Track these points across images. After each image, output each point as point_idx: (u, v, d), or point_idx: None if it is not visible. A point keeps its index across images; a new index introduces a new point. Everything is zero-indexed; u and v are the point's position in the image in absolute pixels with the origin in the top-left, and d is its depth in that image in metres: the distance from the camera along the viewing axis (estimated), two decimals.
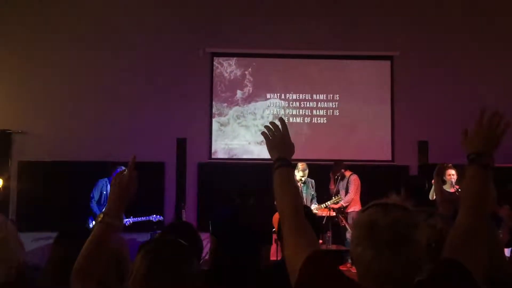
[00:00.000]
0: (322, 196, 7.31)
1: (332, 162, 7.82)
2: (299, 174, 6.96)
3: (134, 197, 1.85)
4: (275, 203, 1.71)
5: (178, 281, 1.53)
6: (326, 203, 7.11)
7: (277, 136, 1.83)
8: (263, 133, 1.81)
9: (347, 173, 7.49)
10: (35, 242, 6.87)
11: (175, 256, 1.58)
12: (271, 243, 4.08)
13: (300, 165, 7.07)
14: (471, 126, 2.01)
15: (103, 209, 5.55)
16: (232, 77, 8.92)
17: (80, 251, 1.84)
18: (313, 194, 7.14)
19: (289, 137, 1.79)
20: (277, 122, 1.82)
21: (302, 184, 6.97)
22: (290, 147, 1.83)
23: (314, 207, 6.90)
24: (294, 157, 1.85)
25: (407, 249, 1.32)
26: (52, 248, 2.28)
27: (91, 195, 6.79)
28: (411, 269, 1.34)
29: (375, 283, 1.33)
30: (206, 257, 6.57)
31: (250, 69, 8.95)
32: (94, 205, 6.74)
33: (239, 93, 8.90)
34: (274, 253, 4.41)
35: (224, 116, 8.86)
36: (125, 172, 1.87)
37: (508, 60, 8.79)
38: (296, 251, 1.50)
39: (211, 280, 2.29)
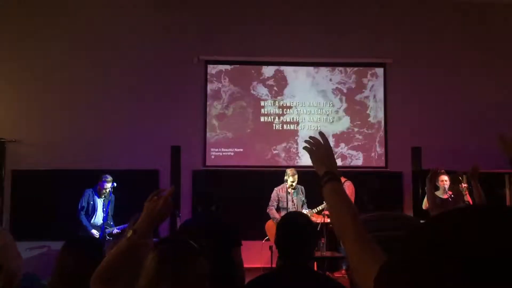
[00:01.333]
0: (316, 202, 7.31)
1: None
2: (290, 179, 6.97)
3: (162, 222, 1.92)
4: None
5: (188, 282, 1.56)
6: (317, 208, 7.13)
7: (321, 150, 1.81)
8: (305, 148, 1.81)
9: (342, 180, 7.48)
10: (29, 251, 6.85)
11: (185, 257, 1.61)
12: (240, 245, 4.11)
13: (289, 171, 7.08)
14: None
15: (91, 220, 5.51)
16: (225, 84, 8.95)
17: (87, 259, 1.88)
18: (303, 200, 7.15)
19: (332, 151, 1.78)
20: (318, 136, 1.83)
21: (292, 190, 6.99)
22: (335, 160, 1.82)
23: (305, 211, 6.92)
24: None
25: None
26: (60, 256, 2.30)
27: (79, 206, 6.62)
28: None
29: None
30: None
31: (243, 76, 8.98)
32: (83, 217, 6.58)
33: (232, 100, 8.92)
34: (260, 258, 4.42)
35: (219, 122, 8.87)
36: (161, 198, 1.91)
37: (501, 66, 8.88)
38: (364, 261, 1.44)
39: None
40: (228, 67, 8.95)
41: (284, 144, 8.86)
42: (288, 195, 7.02)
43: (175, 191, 7.85)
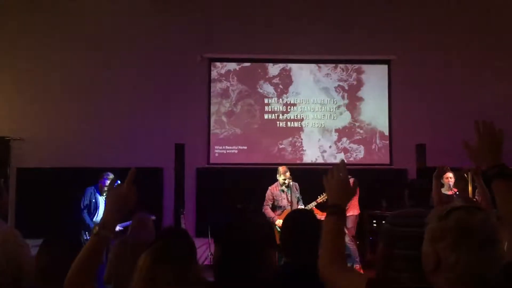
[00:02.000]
0: (313, 198, 7.27)
1: (331, 167, 7.82)
2: (281, 177, 6.94)
3: (131, 210, 1.83)
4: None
5: (181, 281, 1.54)
6: (313, 203, 7.08)
7: (334, 180, 1.81)
8: (324, 178, 1.81)
9: None
10: (33, 249, 6.86)
11: (178, 257, 1.59)
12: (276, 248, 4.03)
13: (281, 169, 7.04)
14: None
15: (93, 218, 5.43)
16: (229, 82, 8.94)
17: (63, 258, 1.84)
18: (298, 197, 7.08)
19: (348, 182, 1.78)
20: (340, 165, 1.83)
21: (286, 188, 6.95)
22: (347, 193, 1.80)
23: (300, 207, 6.89)
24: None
25: (496, 249, 1.38)
26: (37, 256, 2.28)
27: (82, 205, 6.54)
28: (499, 268, 1.39)
29: (473, 285, 1.36)
30: (205, 263, 6.57)
31: (247, 73, 8.97)
32: (86, 216, 6.50)
33: (236, 98, 8.91)
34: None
35: (223, 121, 8.86)
36: (123, 185, 1.84)
37: (505, 62, 8.82)
38: (350, 283, 1.58)
39: None
40: (235, 66, 8.93)
41: (290, 139, 8.85)
42: (282, 193, 6.98)
43: (180, 189, 7.88)
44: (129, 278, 1.70)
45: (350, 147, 8.92)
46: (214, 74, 8.93)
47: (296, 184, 7.07)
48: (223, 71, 8.94)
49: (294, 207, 6.85)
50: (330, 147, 8.92)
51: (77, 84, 8.62)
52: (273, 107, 8.94)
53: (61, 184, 7.98)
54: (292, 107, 8.95)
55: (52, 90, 8.60)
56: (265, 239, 4.05)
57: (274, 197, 6.98)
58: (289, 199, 6.94)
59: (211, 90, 8.89)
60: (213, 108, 8.86)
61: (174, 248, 1.64)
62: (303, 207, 7.00)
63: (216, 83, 8.92)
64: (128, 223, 6.51)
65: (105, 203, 6.14)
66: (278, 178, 6.97)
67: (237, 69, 8.96)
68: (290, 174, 6.94)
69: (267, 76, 8.98)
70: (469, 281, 1.36)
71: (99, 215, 6.57)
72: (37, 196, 8.00)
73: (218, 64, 8.94)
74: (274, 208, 7.05)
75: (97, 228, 1.73)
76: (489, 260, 1.36)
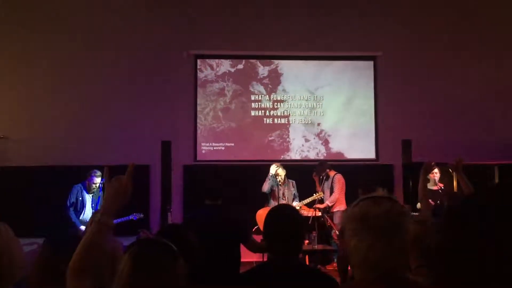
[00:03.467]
0: (307, 195, 7.33)
1: (316, 162, 7.86)
2: (278, 175, 7.01)
3: (128, 201, 1.85)
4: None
5: (164, 281, 1.53)
6: (306, 200, 7.16)
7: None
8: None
9: (332, 173, 7.52)
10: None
11: (160, 257, 1.58)
12: (248, 239, 4.03)
13: (275, 166, 7.12)
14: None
15: (80, 216, 5.39)
16: (216, 79, 8.92)
17: (67, 255, 1.83)
18: (294, 194, 7.18)
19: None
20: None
21: (282, 185, 7.01)
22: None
23: (295, 204, 6.95)
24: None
25: (399, 237, 1.41)
26: (40, 252, 2.27)
27: (68, 203, 6.50)
28: (403, 256, 1.42)
29: (371, 272, 1.40)
30: None
31: (234, 70, 8.96)
32: (72, 213, 6.47)
33: (223, 95, 8.90)
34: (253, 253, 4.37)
35: (210, 118, 8.84)
36: (123, 176, 1.88)
37: (490, 58, 8.91)
38: None
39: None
40: (230, 68, 8.90)
41: (277, 135, 8.86)
42: (279, 190, 7.05)
43: (167, 186, 7.85)
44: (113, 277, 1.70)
45: (335, 142, 8.95)
46: (212, 75, 8.90)
47: (294, 181, 7.15)
48: (220, 73, 8.91)
49: (289, 203, 6.90)
50: (316, 143, 8.95)
51: (62, 82, 8.53)
52: (260, 104, 8.94)
53: (45, 183, 7.89)
54: (279, 103, 8.96)
55: (36, 88, 8.50)
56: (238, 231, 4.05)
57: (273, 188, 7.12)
58: (285, 195, 7.01)
59: (207, 90, 8.86)
60: (208, 105, 8.83)
61: (157, 248, 1.63)
62: (297, 203, 7.05)
63: (214, 83, 8.89)
64: (123, 219, 6.51)
65: (97, 201, 6.04)
66: (271, 173, 7.08)
67: (232, 71, 8.94)
68: (284, 171, 7.03)
69: (258, 77, 8.98)
70: (370, 267, 1.39)
71: (86, 213, 6.53)
72: (21, 195, 7.90)
73: (213, 65, 8.89)
74: (267, 198, 7.15)
75: (98, 215, 1.74)
76: (393, 247, 1.39)
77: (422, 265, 2.19)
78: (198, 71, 8.90)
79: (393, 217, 1.42)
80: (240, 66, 8.99)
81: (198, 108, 8.83)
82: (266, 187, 7.11)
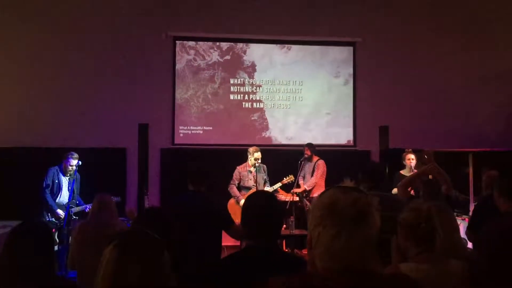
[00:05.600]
0: (278, 179, 7.33)
1: (293, 147, 7.89)
2: (253, 158, 7.00)
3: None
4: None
5: (148, 273, 1.52)
6: (278, 184, 7.17)
7: None
8: None
9: (315, 158, 7.56)
10: None
11: (145, 248, 1.57)
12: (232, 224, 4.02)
13: (251, 149, 7.10)
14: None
15: (56, 199, 5.31)
16: (196, 62, 8.83)
17: (36, 246, 1.84)
18: (265, 178, 7.19)
19: None
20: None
21: (254, 169, 7.02)
22: None
23: (267, 189, 6.96)
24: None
25: (366, 226, 1.38)
26: (7, 240, 2.23)
27: (44, 185, 6.34)
28: (369, 246, 1.39)
29: (334, 262, 1.37)
30: None
31: (213, 53, 8.87)
32: (48, 196, 6.32)
33: (202, 78, 8.82)
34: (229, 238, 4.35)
35: (187, 101, 8.77)
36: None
37: (469, 43, 8.99)
38: None
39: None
40: (219, 58, 8.81)
41: (255, 120, 8.85)
42: (250, 173, 7.05)
43: (143, 170, 7.77)
44: (93, 262, 1.66)
45: (314, 127, 8.98)
46: (202, 64, 8.81)
47: (264, 166, 7.16)
48: (210, 62, 8.83)
49: (261, 188, 6.90)
50: (295, 127, 8.96)
51: (39, 63, 8.31)
52: (239, 88, 8.89)
53: (16, 165, 7.74)
54: (257, 87, 8.92)
55: (13, 69, 8.28)
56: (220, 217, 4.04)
57: (241, 177, 7.07)
58: (256, 180, 7.00)
59: (176, 69, 8.76)
60: (177, 87, 8.74)
61: (141, 239, 1.62)
62: (269, 188, 7.06)
63: (205, 71, 8.82)
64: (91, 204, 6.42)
65: (72, 184, 5.97)
66: (249, 158, 7.02)
67: (222, 61, 8.85)
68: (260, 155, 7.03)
69: (242, 66, 8.90)
70: (334, 256, 1.37)
71: (62, 196, 6.42)
72: None
73: (206, 55, 8.78)
74: (239, 188, 7.11)
75: None
76: (358, 236, 1.37)
77: (422, 251, 2.22)
78: (186, 55, 8.78)
79: (360, 207, 1.39)
80: (228, 57, 8.89)
81: (190, 92, 8.73)
82: (236, 193, 7.03)
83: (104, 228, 3.94)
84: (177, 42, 8.79)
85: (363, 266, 1.38)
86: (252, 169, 7.07)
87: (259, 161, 7.01)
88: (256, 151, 7.07)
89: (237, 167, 7.20)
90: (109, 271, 1.51)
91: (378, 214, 1.43)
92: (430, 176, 4.69)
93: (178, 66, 8.77)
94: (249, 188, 6.99)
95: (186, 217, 3.51)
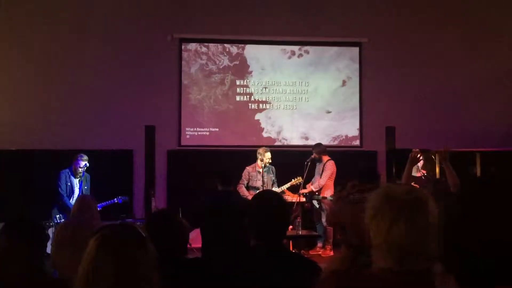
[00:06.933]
0: (285, 181, 7.33)
1: (302, 148, 7.88)
2: (265, 158, 7.01)
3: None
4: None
5: (131, 266, 1.53)
6: (286, 185, 7.17)
7: None
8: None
9: (325, 158, 7.54)
10: None
11: (127, 241, 1.58)
12: None
13: (261, 150, 7.11)
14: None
15: (71, 201, 5.29)
16: (202, 64, 8.84)
17: (26, 242, 1.91)
18: (273, 179, 7.18)
19: None
20: None
21: (263, 169, 7.03)
22: None
23: (275, 190, 6.96)
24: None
25: (423, 214, 1.43)
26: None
27: (60, 190, 6.37)
28: (428, 234, 1.42)
29: (393, 250, 1.40)
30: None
31: (219, 55, 8.89)
32: (66, 199, 6.34)
33: (209, 79, 8.84)
34: None
35: (194, 102, 8.78)
36: None
37: (476, 43, 8.95)
38: None
39: (205, 269, 2.28)
40: (229, 63, 8.84)
41: (262, 121, 8.85)
42: (258, 174, 7.05)
43: (150, 171, 7.79)
44: (70, 263, 1.68)
45: (320, 128, 8.97)
46: (213, 68, 8.83)
47: (273, 167, 7.17)
48: (221, 66, 8.85)
49: (269, 189, 6.91)
50: (301, 128, 8.96)
51: (45, 66, 8.35)
52: (245, 89, 8.90)
53: (26, 167, 7.80)
54: (264, 89, 8.92)
55: (18, 72, 8.33)
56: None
57: (250, 177, 7.09)
58: (265, 181, 7.00)
59: (182, 70, 8.78)
60: (184, 90, 8.76)
61: (122, 232, 1.63)
62: (277, 189, 7.07)
63: (216, 74, 8.83)
64: (108, 202, 6.47)
65: (80, 185, 5.98)
66: (260, 158, 7.05)
67: (231, 65, 8.87)
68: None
69: (236, 57, 8.92)
70: (392, 245, 1.40)
71: (74, 198, 6.45)
72: (5, 180, 7.79)
73: (217, 60, 8.81)
74: (248, 188, 7.13)
75: None
76: (416, 225, 1.40)
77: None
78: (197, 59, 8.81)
79: (415, 195, 1.44)
80: (236, 62, 8.91)
81: (202, 96, 8.75)
82: (244, 193, 7.04)
83: (84, 229, 3.95)
84: (189, 47, 8.80)
85: (422, 254, 1.41)
86: (261, 169, 7.07)
87: (270, 161, 7.04)
88: (266, 151, 7.09)
89: (246, 167, 7.22)
90: (87, 261, 1.53)
91: (434, 202, 1.47)
92: (437, 176, 4.67)
93: (192, 70, 8.79)
94: (257, 189, 6.99)
95: (223, 213, 3.90)
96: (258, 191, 6.75)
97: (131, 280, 1.53)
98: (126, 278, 1.52)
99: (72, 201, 6.43)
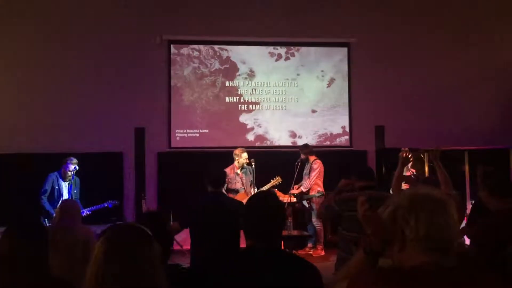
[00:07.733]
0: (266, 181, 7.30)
1: (290, 149, 7.89)
2: (241, 160, 6.94)
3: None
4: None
5: (137, 265, 1.55)
6: (266, 186, 7.09)
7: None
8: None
9: (312, 158, 7.56)
10: None
11: (133, 240, 1.60)
12: None
13: (237, 151, 7.01)
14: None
15: (56, 206, 5.27)
16: (195, 67, 8.83)
17: (30, 245, 1.83)
18: (251, 180, 7.04)
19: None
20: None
21: (241, 171, 6.98)
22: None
23: (254, 191, 6.88)
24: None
25: (451, 213, 1.52)
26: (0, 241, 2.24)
27: (42, 191, 6.36)
28: (455, 228, 1.53)
29: (426, 248, 1.47)
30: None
31: (208, 55, 8.88)
32: (45, 201, 6.32)
33: (201, 81, 8.83)
34: None
35: (184, 104, 8.77)
36: None
37: (463, 43, 9.02)
38: None
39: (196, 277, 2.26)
40: (219, 66, 8.82)
41: (250, 121, 8.85)
42: (237, 176, 6.98)
43: (140, 174, 7.79)
44: (52, 264, 1.67)
45: (309, 128, 8.99)
46: (205, 71, 8.83)
47: (250, 168, 7.05)
48: (212, 69, 8.84)
49: (248, 190, 6.86)
50: (290, 128, 8.97)
51: (34, 68, 8.27)
52: (235, 91, 8.90)
53: (14, 171, 7.73)
54: (253, 90, 8.93)
55: (4, 74, 8.26)
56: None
57: (229, 180, 6.88)
58: (243, 182, 6.95)
59: (171, 72, 8.76)
60: (173, 91, 8.74)
61: (130, 232, 1.66)
62: (256, 190, 7.01)
63: (207, 77, 8.83)
64: (98, 206, 6.44)
65: (69, 189, 5.96)
66: (237, 160, 6.96)
67: (222, 68, 8.85)
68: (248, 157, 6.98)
69: (225, 58, 8.92)
70: (426, 242, 1.47)
71: None
72: None
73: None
74: (227, 191, 7.04)
75: None
76: (441, 225, 1.48)
77: None
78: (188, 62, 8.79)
79: (438, 195, 1.55)
80: (227, 65, 8.91)
81: (192, 97, 8.74)
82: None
83: (65, 233, 3.95)
84: (182, 51, 8.79)
85: (453, 249, 1.49)
86: (240, 171, 7.01)
87: (247, 161, 6.96)
88: (243, 152, 7.01)
89: (224, 170, 7.13)
90: (98, 262, 1.55)
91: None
92: (426, 174, 4.71)
93: (185, 72, 8.79)
94: (237, 191, 6.89)
95: (213, 214, 3.92)
96: (238, 194, 6.69)
97: (139, 279, 1.55)
98: (133, 278, 1.54)
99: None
